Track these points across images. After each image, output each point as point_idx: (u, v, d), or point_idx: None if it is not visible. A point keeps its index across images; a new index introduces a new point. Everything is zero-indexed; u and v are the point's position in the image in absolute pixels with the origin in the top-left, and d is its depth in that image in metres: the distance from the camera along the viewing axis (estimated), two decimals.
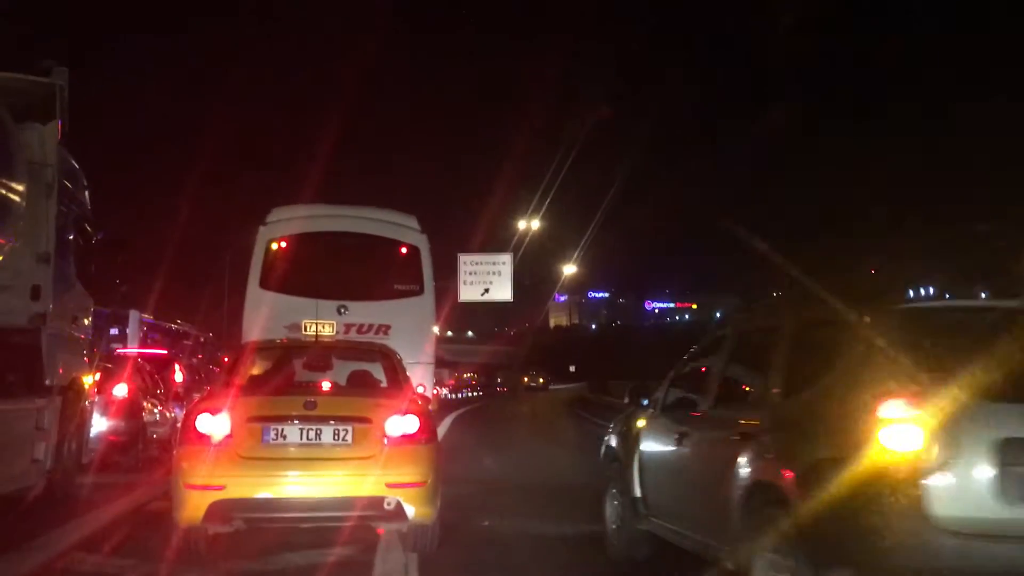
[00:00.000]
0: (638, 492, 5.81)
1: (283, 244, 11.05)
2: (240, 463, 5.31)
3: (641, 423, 5.98)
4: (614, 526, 6.16)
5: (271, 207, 11.71)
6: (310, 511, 5.49)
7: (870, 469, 3.40)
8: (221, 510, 5.27)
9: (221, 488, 5.25)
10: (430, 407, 6.95)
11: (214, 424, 5.36)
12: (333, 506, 5.45)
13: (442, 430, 18.83)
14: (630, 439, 6.08)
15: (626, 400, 6.73)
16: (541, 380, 78.54)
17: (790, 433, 4.05)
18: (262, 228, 11.18)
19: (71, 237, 8.06)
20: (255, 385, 6.20)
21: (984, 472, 3.32)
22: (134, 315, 28.62)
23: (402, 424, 5.57)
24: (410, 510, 5.47)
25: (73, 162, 8.23)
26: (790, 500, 3.78)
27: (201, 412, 5.44)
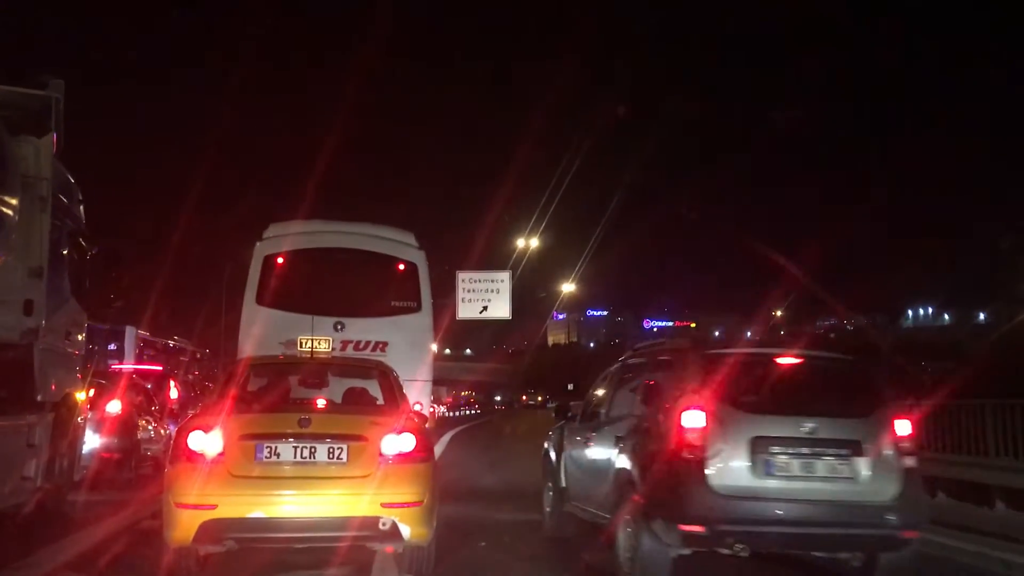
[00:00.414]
0: (564, 483, 7.84)
1: (280, 260, 10.92)
2: (232, 482, 5.20)
3: (566, 432, 8.03)
4: (548, 510, 8.18)
5: (269, 223, 11.63)
6: (303, 531, 5.36)
7: (676, 457, 5.51)
8: (212, 530, 5.15)
9: (212, 507, 5.14)
10: (427, 425, 6.86)
11: (206, 442, 5.26)
12: (327, 526, 5.33)
13: (440, 448, 18.76)
14: (559, 444, 8.15)
15: (553, 415, 9.12)
16: (540, 398, 78.29)
17: (639, 436, 6.14)
18: (259, 244, 11.06)
19: (65, 252, 7.98)
20: (248, 402, 6.09)
21: (742, 458, 5.46)
22: (130, 331, 28.54)
23: (398, 442, 5.46)
24: (406, 530, 5.35)
25: (68, 176, 8.16)
26: (635, 480, 5.91)
27: (193, 429, 5.33)
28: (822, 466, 5.47)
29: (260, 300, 10.77)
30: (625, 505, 5.96)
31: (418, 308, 11.02)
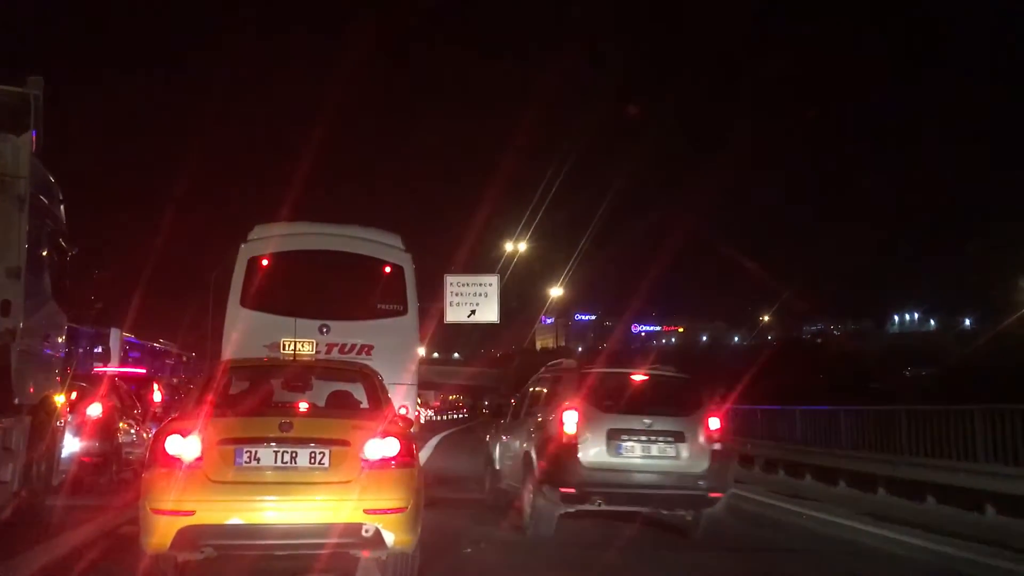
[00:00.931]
0: (497, 466, 10.36)
1: (265, 262, 10.80)
2: (211, 487, 5.07)
3: (500, 427, 10.75)
4: (487, 487, 10.65)
5: (254, 224, 11.49)
6: (284, 538, 5.22)
7: (559, 442, 8.03)
8: (190, 536, 5.01)
9: (190, 513, 5.00)
10: (412, 429, 6.73)
11: (183, 446, 5.13)
12: (308, 533, 5.20)
13: (427, 452, 18.70)
14: (494, 437, 10.82)
15: (486, 412, 13.96)
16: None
17: (539, 429, 8.74)
18: (243, 245, 10.93)
19: (44, 252, 7.83)
20: (228, 405, 5.95)
21: (602, 442, 8.02)
22: (115, 333, 28.31)
23: (382, 447, 5.35)
24: (389, 537, 5.23)
25: (48, 175, 8.02)
26: (534, 459, 8.40)
27: (170, 433, 5.20)
28: (655, 448, 8.15)
29: (244, 302, 10.66)
30: (529, 477, 8.49)
31: (404, 311, 10.93)
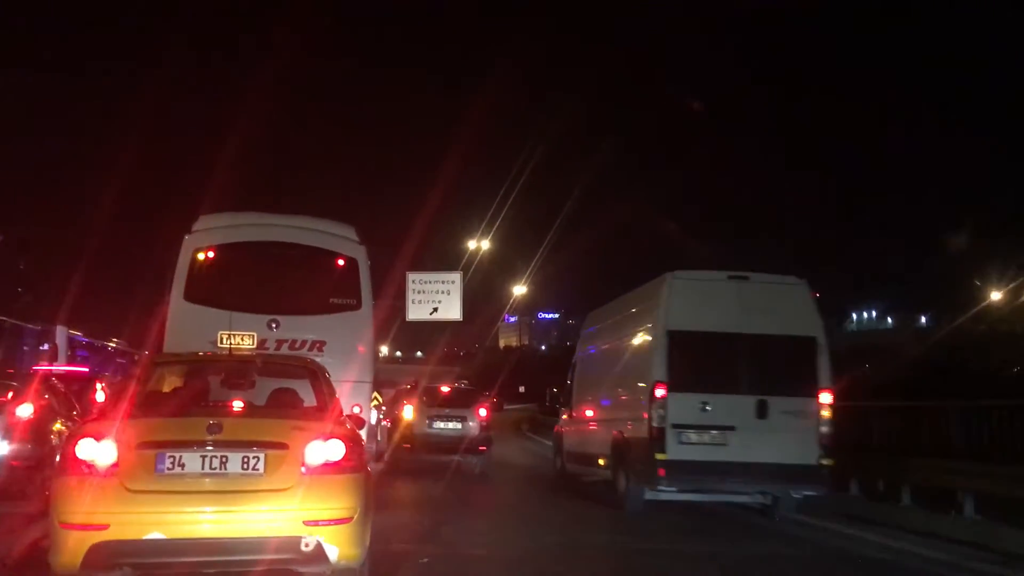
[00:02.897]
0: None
1: (210, 254, 10.21)
2: (128, 498, 4.47)
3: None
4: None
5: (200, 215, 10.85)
6: (212, 555, 4.62)
7: (406, 422, 17.44)
8: (103, 554, 4.41)
9: (103, 528, 4.41)
10: (363, 431, 6.17)
11: (97, 451, 4.52)
12: (240, 548, 4.61)
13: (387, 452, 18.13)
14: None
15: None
16: (494, 400, 77.25)
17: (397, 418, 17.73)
18: (187, 237, 10.30)
19: None
20: (151, 405, 5.33)
21: (425, 421, 17.22)
22: (61, 331, 27.31)
23: (324, 450, 4.79)
24: (332, 551, 4.68)
25: None
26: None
27: (82, 437, 4.59)
28: (451, 424, 16.84)
29: (189, 296, 10.03)
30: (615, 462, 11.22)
31: (358, 305, 10.29)
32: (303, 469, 4.72)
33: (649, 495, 10.05)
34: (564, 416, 14.76)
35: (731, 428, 9.53)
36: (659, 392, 9.56)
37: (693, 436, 9.51)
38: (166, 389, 6.01)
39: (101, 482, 4.47)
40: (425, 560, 6.89)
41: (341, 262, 10.41)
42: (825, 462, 9.48)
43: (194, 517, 4.57)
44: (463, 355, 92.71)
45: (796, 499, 9.97)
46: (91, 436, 4.58)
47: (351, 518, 4.76)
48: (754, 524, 10.07)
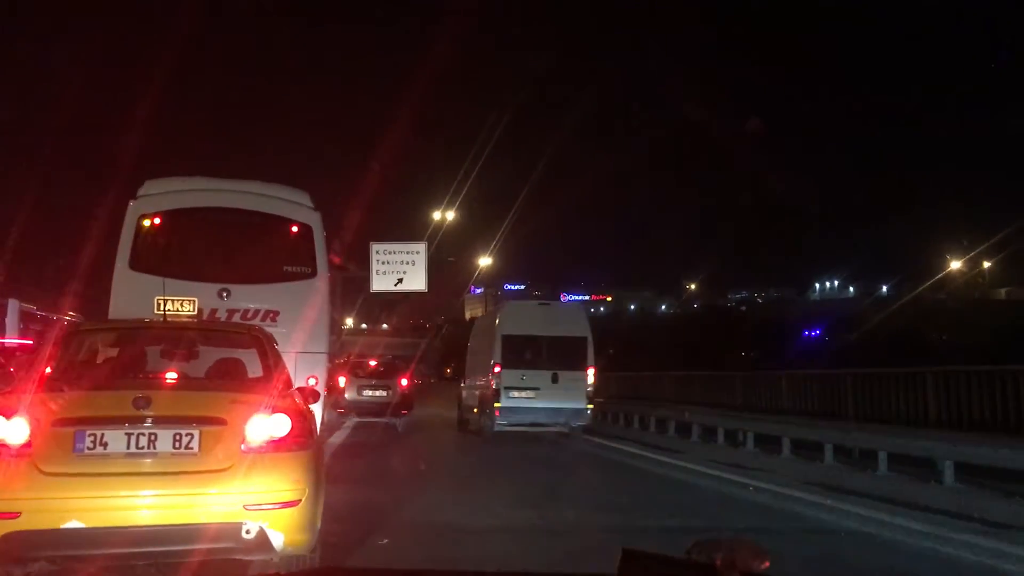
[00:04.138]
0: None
1: (156, 220, 9.68)
2: (42, 482, 3.96)
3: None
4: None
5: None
6: (140, 545, 4.10)
7: (338, 390, 19.06)
8: (16, 545, 3.89)
9: (15, 516, 3.89)
10: (317, 404, 5.68)
11: (7, 429, 4.00)
12: (172, 538, 4.11)
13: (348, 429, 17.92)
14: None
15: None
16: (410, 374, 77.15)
17: (478, 386, 18.46)
18: (132, 203, 9.71)
19: None
20: (71, 378, 4.78)
21: (355, 390, 19.65)
22: (13, 304, 26.53)
23: (268, 426, 4.30)
24: (277, 538, 4.20)
25: None
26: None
27: None
28: (378, 392, 19.60)
29: (134, 265, 9.44)
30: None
31: (313, 274, 9.81)
32: (243, 447, 4.24)
33: (496, 428, 16.47)
34: (461, 384, 20.80)
35: (537, 388, 16.36)
36: (497, 369, 16.47)
37: (515, 393, 16.33)
38: (95, 361, 5.46)
39: (11, 464, 3.95)
40: (385, 541, 6.44)
41: (295, 229, 9.93)
42: (589, 406, 16.40)
43: (119, 503, 4.06)
44: (428, 327, 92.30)
45: (576, 426, 16.48)
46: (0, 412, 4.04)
47: (298, 500, 4.29)
48: (559, 441, 16.70)
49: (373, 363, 21.00)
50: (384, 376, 20.19)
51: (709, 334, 51.35)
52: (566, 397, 16.12)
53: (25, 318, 26.39)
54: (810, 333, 55.96)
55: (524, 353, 16.48)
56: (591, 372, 16.30)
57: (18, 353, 14.30)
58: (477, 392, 17.90)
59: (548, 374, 16.20)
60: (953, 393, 9.78)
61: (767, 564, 1.42)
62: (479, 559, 5.94)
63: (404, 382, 20.21)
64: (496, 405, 16.17)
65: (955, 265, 61.44)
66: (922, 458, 9.62)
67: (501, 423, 16.30)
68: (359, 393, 19.29)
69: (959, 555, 6.56)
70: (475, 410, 17.88)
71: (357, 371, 20.32)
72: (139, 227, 9.60)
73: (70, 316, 29.56)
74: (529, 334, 16.59)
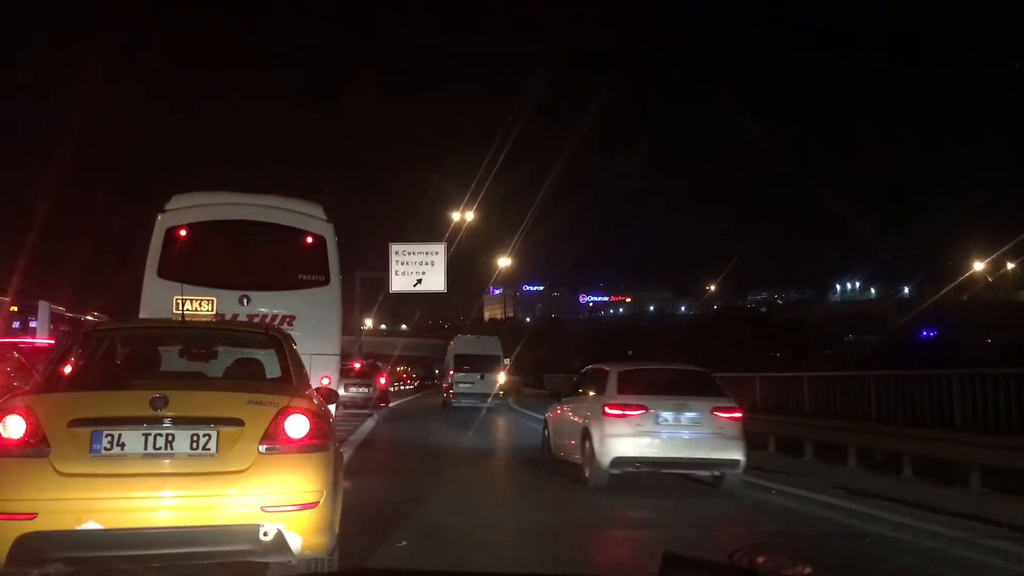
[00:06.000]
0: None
1: (183, 232, 10.37)
2: (58, 482, 3.93)
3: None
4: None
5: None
6: (156, 547, 4.06)
7: (447, 386, 33.31)
8: (31, 547, 3.85)
9: (31, 517, 3.86)
10: (330, 405, 5.63)
11: (23, 428, 3.97)
12: (189, 540, 4.07)
13: (370, 423, 18.19)
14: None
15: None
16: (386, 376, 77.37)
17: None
18: (161, 215, 10.44)
19: None
20: (89, 378, 4.76)
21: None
22: (43, 306, 26.95)
23: (286, 426, 4.26)
24: (295, 540, 4.15)
25: None
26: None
27: (5, 413, 4.03)
28: (355, 389, 23.62)
29: (162, 273, 10.08)
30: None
31: (326, 281, 10.61)
32: (262, 448, 4.20)
33: (454, 404, 29.49)
34: (444, 384, 33.19)
35: (472, 383, 30.12)
36: (450, 372, 31.18)
37: (462, 386, 30.23)
38: (113, 361, 5.43)
39: (28, 464, 3.93)
40: (404, 543, 6.39)
41: (310, 239, 10.69)
42: (501, 393, 31.89)
43: (135, 504, 4.02)
44: (448, 328, 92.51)
45: (494, 404, 29.10)
46: (15, 412, 4.02)
47: (316, 502, 4.25)
48: (486, 415, 25.70)
49: (357, 365, 24.71)
50: (365, 376, 24.58)
51: (750, 335, 51.34)
52: (486, 387, 29.98)
53: (54, 319, 26.82)
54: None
55: (464, 365, 30.66)
56: (502, 373, 32.06)
57: (43, 355, 14.44)
58: (443, 385, 33.26)
59: (478, 375, 30.43)
60: (980, 396, 9.60)
61: (809, 570, 1.37)
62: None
63: (383, 380, 25.66)
64: (451, 392, 30.60)
65: (978, 266, 60.97)
66: (947, 462, 9.46)
67: (455, 403, 29.59)
68: (345, 390, 21.74)
69: (987, 560, 6.45)
70: (444, 396, 31.59)
71: (343, 372, 23.24)
72: (167, 238, 10.30)
73: (94, 316, 29.93)
74: (468, 353, 31.12)
